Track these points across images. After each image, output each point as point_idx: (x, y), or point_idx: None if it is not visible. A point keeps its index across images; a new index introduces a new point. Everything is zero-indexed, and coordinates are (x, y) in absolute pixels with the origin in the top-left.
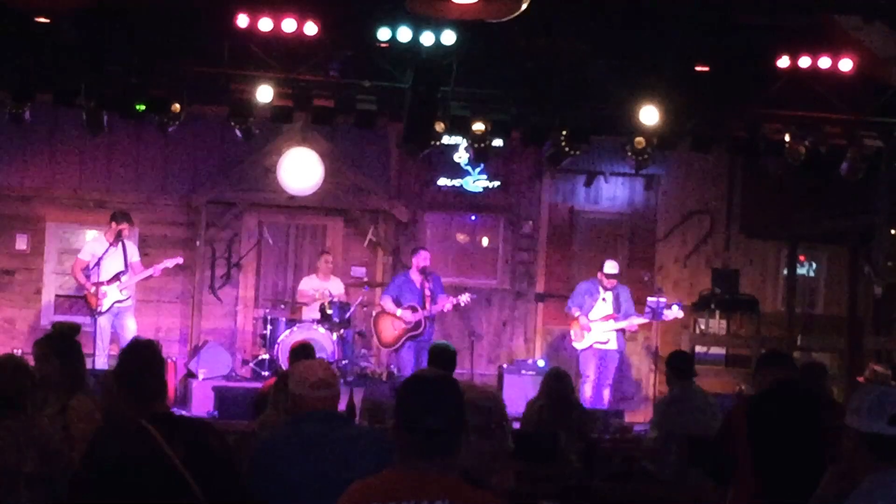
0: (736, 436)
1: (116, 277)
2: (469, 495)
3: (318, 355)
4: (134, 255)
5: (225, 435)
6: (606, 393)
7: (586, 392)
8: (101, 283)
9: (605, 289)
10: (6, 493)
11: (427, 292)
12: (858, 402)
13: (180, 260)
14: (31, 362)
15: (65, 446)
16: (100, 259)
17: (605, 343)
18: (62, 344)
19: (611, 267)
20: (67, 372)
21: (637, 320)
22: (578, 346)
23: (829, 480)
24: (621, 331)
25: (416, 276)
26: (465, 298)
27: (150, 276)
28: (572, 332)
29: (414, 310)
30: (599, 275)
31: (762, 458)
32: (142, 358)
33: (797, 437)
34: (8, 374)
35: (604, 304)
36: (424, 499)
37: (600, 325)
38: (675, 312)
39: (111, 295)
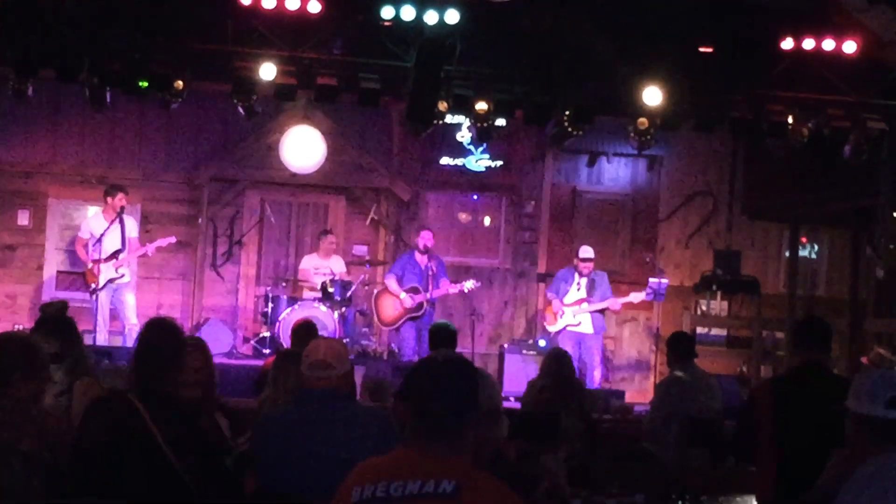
0: (760, 413)
1: (113, 255)
2: (476, 477)
3: (319, 333)
4: (132, 230)
5: (218, 418)
6: (597, 374)
7: None
8: (99, 261)
9: (581, 274)
10: (1, 469)
11: (430, 273)
12: (859, 385)
13: (173, 239)
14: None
15: (65, 426)
16: (100, 237)
17: (577, 326)
18: (57, 324)
19: (585, 251)
20: (68, 350)
21: (618, 301)
22: (551, 328)
23: (833, 464)
24: (599, 313)
25: (420, 257)
26: (469, 285)
27: (146, 255)
28: (546, 316)
29: (416, 291)
30: (575, 260)
31: (784, 439)
32: (148, 337)
33: (820, 420)
34: (14, 350)
35: (577, 290)
36: (431, 479)
37: (572, 308)
38: (642, 295)
39: (106, 272)
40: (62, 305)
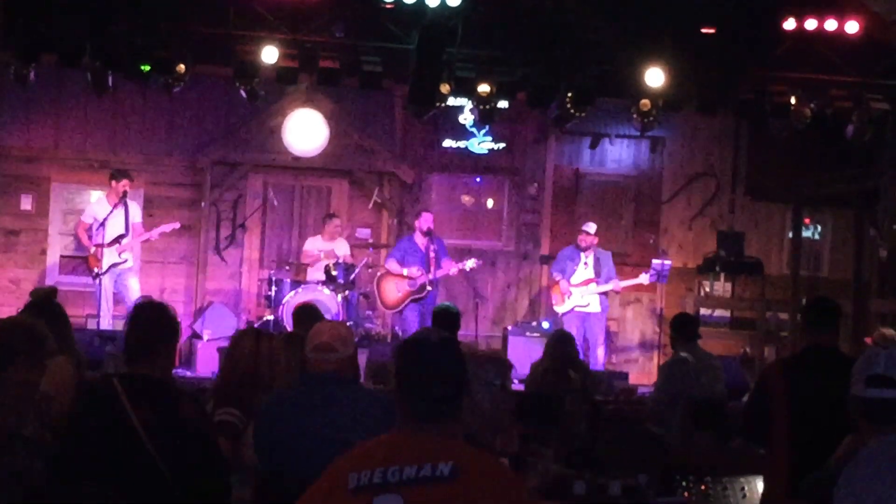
0: (772, 395)
1: (117, 240)
2: (473, 458)
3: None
4: (136, 215)
5: (204, 406)
6: (600, 353)
7: None
8: (102, 245)
9: (583, 249)
10: (3, 453)
11: (431, 255)
12: (854, 368)
13: (177, 225)
14: None
15: (65, 410)
16: (104, 221)
17: (585, 306)
18: (44, 309)
19: (588, 227)
20: (54, 335)
21: (623, 283)
22: (559, 309)
23: (841, 447)
24: (604, 293)
25: (420, 240)
26: (471, 264)
27: (149, 240)
28: (553, 297)
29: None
30: (579, 237)
31: (797, 420)
32: (134, 317)
33: (833, 401)
34: (19, 336)
35: (584, 268)
36: (428, 462)
37: (580, 289)
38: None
39: (109, 257)
40: (51, 291)
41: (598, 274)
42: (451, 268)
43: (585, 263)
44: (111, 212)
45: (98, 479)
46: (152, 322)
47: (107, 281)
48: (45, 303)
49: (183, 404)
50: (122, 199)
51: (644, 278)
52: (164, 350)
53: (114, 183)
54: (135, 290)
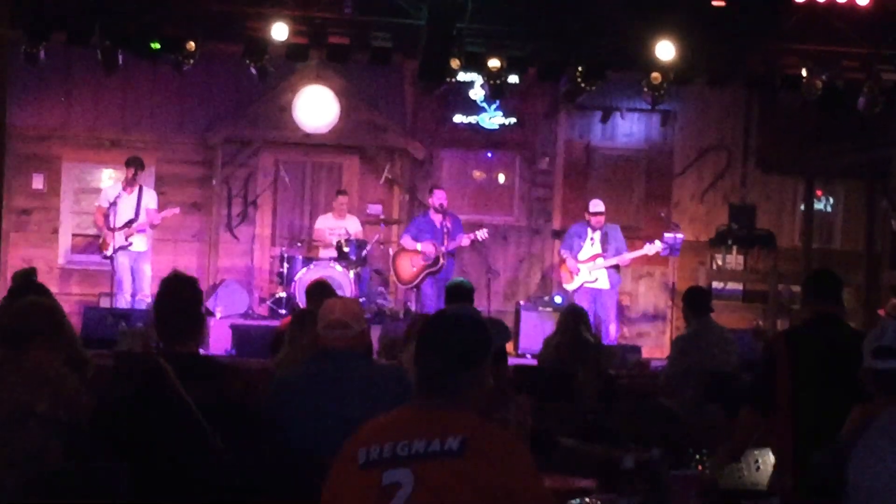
0: (777, 365)
1: (126, 224)
2: (483, 432)
3: (334, 292)
4: (150, 201)
5: (249, 382)
6: (612, 329)
7: None
8: (114, 229)
9: (593, 228)
10: (17, 431)
11: (445, 232)
12: (866, 340)
13: (177, 210)
14: None
15: (81, 388)
16: (115, 202)
17: (593, 282)
18: (28, 289)
19: (595, 205)
20: None
21: (629, 255)
22: (569, 287)
23: (852, 418)
24: (614, 268)
25: (435, 216)
26: (481, 234)
27: (153, 225)
28: (562, 274)
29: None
30: (587, 215)
31: (801, 390)
32: (170, 294)
33: (838, 370)
34: (38, 315)
35: (591, 244)
36: (437, 436)
37: (587, 265)
38: (656, 247)
39: (117, 239)
40: (30, 270)
41: (605, 249)
42: (462, 239)
43: (592, 239)
44: (120, 193)
45: (142, 458)
46: (190, 299)
47: (123, 259)
48: (27, 283)
49: (233, 383)
50: (133, 184)
51: (649, 248)
52: (202, 325)
53: (126, 168)
54: (147, 277)
